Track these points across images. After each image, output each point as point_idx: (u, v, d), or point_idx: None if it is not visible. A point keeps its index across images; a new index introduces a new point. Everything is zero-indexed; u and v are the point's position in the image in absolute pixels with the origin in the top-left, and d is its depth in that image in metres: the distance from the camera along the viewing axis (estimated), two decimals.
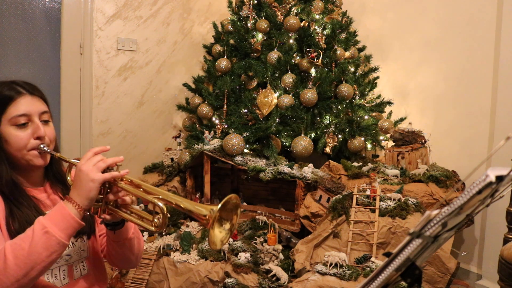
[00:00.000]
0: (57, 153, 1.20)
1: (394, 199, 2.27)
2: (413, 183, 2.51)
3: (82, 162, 1.07)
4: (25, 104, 1.14)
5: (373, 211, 2.21)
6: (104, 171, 1.08)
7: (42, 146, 1.16)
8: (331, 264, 2.04)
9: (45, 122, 1.20)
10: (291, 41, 3.05)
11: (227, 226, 1.05)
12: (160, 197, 1.08)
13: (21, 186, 1.17)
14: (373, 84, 3.17)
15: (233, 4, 3.39)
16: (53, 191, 1.26)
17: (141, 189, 1.13)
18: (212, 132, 2.98)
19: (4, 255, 0.95)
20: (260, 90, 2.97)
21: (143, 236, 2.63)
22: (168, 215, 1.08)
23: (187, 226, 2.74)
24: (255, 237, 2.42)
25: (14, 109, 1.13)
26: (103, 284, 1.32)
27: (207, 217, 1.00)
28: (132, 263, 1.34)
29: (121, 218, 1.16)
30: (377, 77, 3.23)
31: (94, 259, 1.29)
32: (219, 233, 1.03)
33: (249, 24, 3.15)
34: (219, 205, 0.99)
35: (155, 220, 1.12)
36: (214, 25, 3.51)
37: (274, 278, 2.18)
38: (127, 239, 1.26)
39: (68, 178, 1.24)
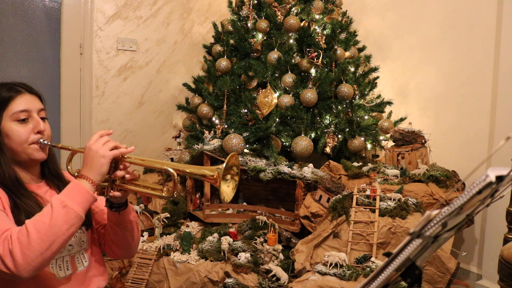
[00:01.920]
0: (58, 144, 1.27)
1: (394, 199, 2.27)
2: (413, 183, 2.51)
3: (91, 142, 1.15)
4: (25, 101, 1.21)
5: (373, 211, 2.21)
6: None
7: (42, 140, 1.22)
8: (331, 264, 2.04)
9: (43, 119, 1.26)
10: (291, 41, 3.05)
11: (232, 177, 1.17)
12: (165, 167, 1.18)
13: (22, 181, 1.21)
14: (373, 84, 3.17)
15: (233, 4, 3.39)
16: (50, 187, 1.31)
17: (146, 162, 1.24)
18: (212, 132, 2.98)
19: (27, 230, 0.99)
20: (260, 90, 2.96)
21: (143, 236, 2.63)
22: (178, 180, 1.20)
23: (187, 226, 2.74)
24: (255, 237, 2.42)
25: (15, 105, 1.19)
26: (104, 278, 1.35)
27: (214, 176, 1.12)
28: (131, 249, 1.39)
29: (131, 192, 1.24)
30: (377, 77, 3.23)
31: (93, 250, 1.33)
32: (227, 187, 1.14)
33: (249, 24, 3.15)
34: (224, 165, 1.12)
35: (164, 189, 1.21)
36: (214, 25, 3.51)
37: (274, 278, 2.18)
38: (129, 221, 1.31)
39: (69, 167, 1.32)
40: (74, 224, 1.05)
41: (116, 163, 1.18)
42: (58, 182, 1.32)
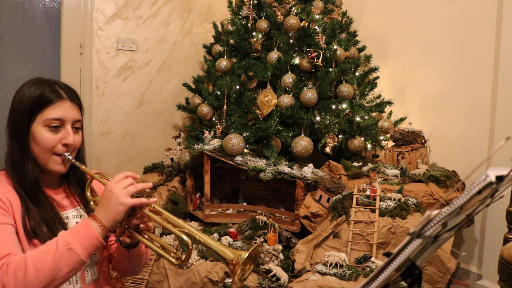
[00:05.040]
0: (81, 165, 1.20)
1: (394, 199, 2.27)
2: (413, 183, 2.51)
3: (113, 184, 1.08)
4: (63, 109, 1.16)
5: (373, 211, 2.21)
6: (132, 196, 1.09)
7: (67, 154, 1.17)
8: (331, 264, 2.04)
9: (76, 130, 1.21)
10: (291, 41, 3.05)
11: (245, 270, 1.03)
12: (185, 231, 1.07)
13: (41, 186, 1.18)
14: (373, 84, 3.17)
15: (233, 4, 3.39)
16: (68, 194, 1.27)
17: (164, 219, 1.12)
18: (212, 132, 2.98)
19: (25, 266, 0.95)
20: (260, 90, 2.96)
21: None
22: (191, 250, 1.08)
23: None
24: (255, 237, 2.42)
25: (52, 111, 1.14)
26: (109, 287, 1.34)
27: (233, 262, 1.00)
28: (136, 273, 1.37)
29: (141, 243, 1.17)
30: (377, 77, 3.23)
31: (103, 264, 1.30)
32: (239, 274, 1.02)
33: (249, 24, 3.15)
34: (247, 254, 1.00)
35: (177, 253, 1.12)
36: (214, 25, 3.51)
37: (274, 278, 2.18)
38: (138, 255, 1.28)
39: (88, 193, 1.25)
40: (75, 268, 1.00)
41: (133, 209, 1.12)
42: (80, 191, 1.28)
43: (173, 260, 1.11)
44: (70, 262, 0.98)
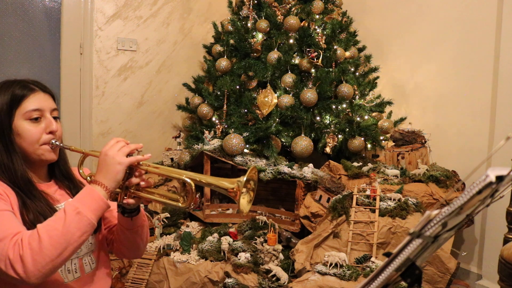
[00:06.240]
0: (71, 146, 1.24)
1: (394, 199, 2.27)
2: (413, 183, 2.51)
3: (107, 148, 1.12)
4: (38, 100, 1.19)
5: (373, 211, 2.21)
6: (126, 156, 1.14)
7: (54, 141, 1.20)
8: (331, 264, 2.04)
9: (55, 119, 1.23)
10: (291, 41, 3.04)
11: (248, 191, 1.13)
12: (184, 176, 1.14)
13: (33, 181, 1.19)
14: (373, 84, 3.17)
15: (233, 4, 3.39)
16: (59, 187, 1.29)
17: (164, 170, 1.20)
18: (212, 132, 2.98)
19: (39, 236, 0.97)
20: (260, 90, 2.96)
21: None
22: (195, 192, 1.16)
23: (187, 226, 2.74)
24: (255, 237, 2.42)
25: (28, 104, 1.16)
26: (109, 278, 1.34)
27: (234, 189, 1.09)
28: (140, 251, 1.38)
29: (145, 200, 1.21)
30: (377, 77, 3.23)
31: (100, 252, 1.31)
32: (242, 199, 1.10)
33: (249, 24, 3.15)
34: (244, 178, 1.08)
35: (181, 199, 1.19)
36: (214, 25, 3.51)
37: (274, 278, 2.18)
38: (141, 225, 1.30)
39: (81, 170, 1.28)
40: (87, 231, 1.03)
41: (131, 169, 1.16)
42: (68, 183, 1.30)
43: (180, 204, 1.19)
44: (81, 226, 1.02)
